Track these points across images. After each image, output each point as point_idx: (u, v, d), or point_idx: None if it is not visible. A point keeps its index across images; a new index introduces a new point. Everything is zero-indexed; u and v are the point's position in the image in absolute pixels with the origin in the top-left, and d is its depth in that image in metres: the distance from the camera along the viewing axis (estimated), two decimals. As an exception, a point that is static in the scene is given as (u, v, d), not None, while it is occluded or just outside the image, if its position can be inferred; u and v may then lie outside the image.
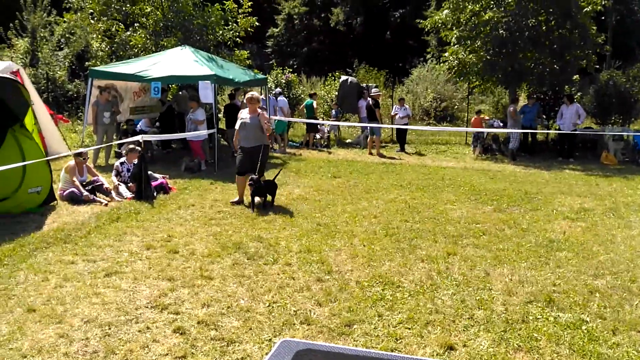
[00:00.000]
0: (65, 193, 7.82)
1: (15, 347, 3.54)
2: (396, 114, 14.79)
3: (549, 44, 14.02)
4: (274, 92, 13.69)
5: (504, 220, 7.11)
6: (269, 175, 8.20)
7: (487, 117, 16.13)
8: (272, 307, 4.29)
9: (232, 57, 14.53)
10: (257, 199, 7.69)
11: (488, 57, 14.40)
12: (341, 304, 4.35)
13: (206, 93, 10.27)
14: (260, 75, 13.65)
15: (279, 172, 8.23)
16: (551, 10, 13.85)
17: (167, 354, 3.50)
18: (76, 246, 5.67)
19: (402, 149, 14.50)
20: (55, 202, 7.57)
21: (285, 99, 14.06)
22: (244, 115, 7.73)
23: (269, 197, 7.81)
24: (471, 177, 10.58)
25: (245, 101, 8.05)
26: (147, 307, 4.24)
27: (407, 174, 10.91)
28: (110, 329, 3.86)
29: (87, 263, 5.18)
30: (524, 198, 8.61)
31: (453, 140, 16.96)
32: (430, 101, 20.58)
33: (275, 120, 13.34)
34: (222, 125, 13.94)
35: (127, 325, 3.91)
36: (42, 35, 17.75)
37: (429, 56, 26.05)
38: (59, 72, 17.50)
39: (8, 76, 7.00)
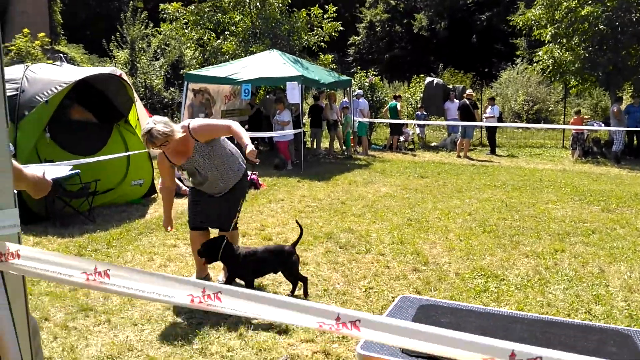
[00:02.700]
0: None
1: (126, 316, 3.70)
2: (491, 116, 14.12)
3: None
4: (355, 94, 13.66)
5: (614, 220, 6.52)
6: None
7: (587, 117, 15.06)
8: (369, 292, 4.19)
9: (316, 61, 14.72)
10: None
11: (587, 55, 13.48)
12: (442, 293, 4.15)
13: (293, 93, 10.46)
14: (344, 77, 13.70)
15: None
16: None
17: (269, 329, 3.50)
18: (177, 232, 5.90)
19: (493, 152, 13.89)
20: (156, 194, 7.97)
21: (366, 101, 13.97)
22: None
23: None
24: (572, 179, 9.86)
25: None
26: (242, 285, 4.29)
27: (500, 175, 10.40)
28: (212, 304, 3.94)
29: (189, 247, 5.35)
30: (635, 199, 7.87)
31: (548, 143, 16.00)
32: (522, 104, 19.61)
33: (357, 122, 13.31)
34: (307, 128, 14.12)
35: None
36: (140, 46, 18.99)
37: (518, 60, 24.97)
38: (155, 81, 18.62)
39: (114, 73, 7.49)
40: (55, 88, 6.48)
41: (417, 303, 1.74)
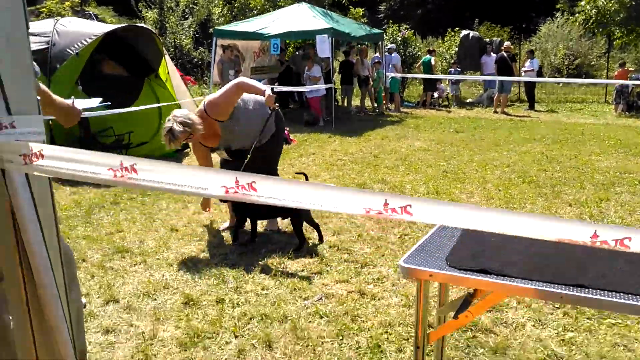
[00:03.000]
0: (195, 142, 8.22)
1: (161, 257, 3.72)
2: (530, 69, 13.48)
3: None
4: (387, 48, 13.23)
5: (663, 171, 6.19)
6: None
7: (632, 70, 14.27)
8: (404, 238, 4.09)
9: (347, 15, 14.30)
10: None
11: (634, 3, 12.66)
12: (480, 239, 4.02)
13: (323, 47, 10.18)
14: (376, 30, 13.26)
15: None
16: None
17: (303, 270, 3.46)
18: (209, 182, 5.91)
19: (531, 107, 13.35)
20: (188, 149, 7.98)
21: (398, 55, 13.53)
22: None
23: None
24: (616, 132, 9.40)
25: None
26: (277, 232, 4.26)
27: (539, 129, 10.00)
28: (247, 247, 3.93)
29: (220, 196, 5.36)
30: (685, 151, 7.46)
31: (590, 98, 15.29)
32: (562, 58, 18.73)
33: (389, 78, 12.94)
34: (337, 84, 13.83)
35: (261, 246, 3.95)
36: (168, 6, 18.85)
37: (558, 13, 23.73)
38: (184, 40, 18.53)
39: (144, 25, 7.41)
40: (86, 40, 6.46)
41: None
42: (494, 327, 2.72)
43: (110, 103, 5.40)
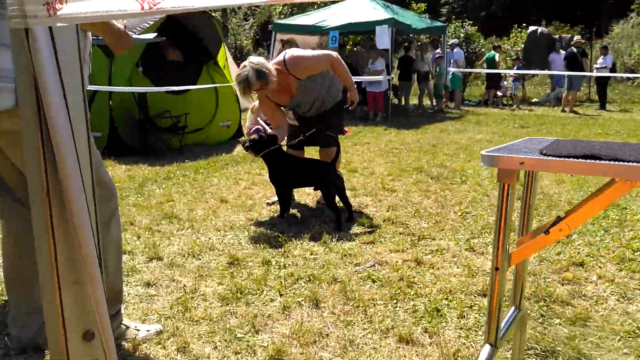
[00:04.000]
0: (251, 130, 8.20)
1: (210, 224, 3.61)
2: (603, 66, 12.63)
3: None
4: (450, 43, 12.78)
5: None
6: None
7: None
8: (465, 216, 3.78)
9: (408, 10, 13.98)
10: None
11: None
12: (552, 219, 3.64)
13: (383, 38, 9.95)
14: (438, 23, 12.84)
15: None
16: None
17: (354, 239, 3.24)
18: (263, 164, 5.79)
19: (603, 107, 12.49)
20: (243, 137, 7.96)
21: (461, 51, 13.03)
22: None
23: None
24: (703, 128, 8.58)
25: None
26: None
27: (612, 125, 9.30)
28: (297, 219, 3.75)
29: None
30: None
31: (668, 99, 14.17)
32: (636, 58, 17.54)
33: (450, 73, 12.49)
34: (395, 81, 13.51)
35: (313, 218, 3.76)
36: (231, 7, 19.33)
37: (632, 14, 22.32)
38: (245, 41, 18.85)
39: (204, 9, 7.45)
40: (148, 23, 6.56)
41: (546, 141, 1.35)
42: (571, 299, 2.38)
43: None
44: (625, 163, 1.03)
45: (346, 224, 3.56)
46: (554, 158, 1.11)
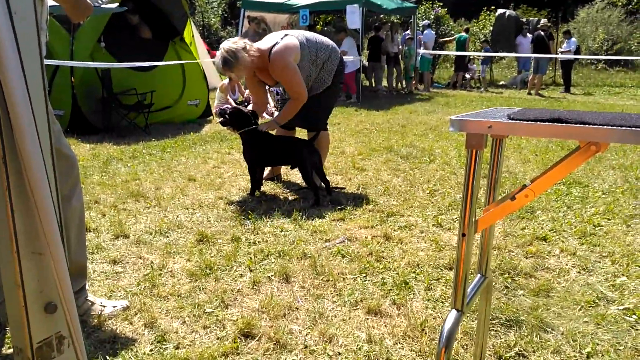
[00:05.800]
0: (220, 109, 8.08)
1: (178, 202, 3.55)
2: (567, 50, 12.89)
3: None
4: (421, 25, 12.82)
5: None
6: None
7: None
8: (433, 193, 3.83)
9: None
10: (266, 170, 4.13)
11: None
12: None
13: (354, 18, 9.89)
14: (409, 4, 12.84)
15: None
16: None
17: (325, 217, 3.24)
18: (232, 143, 5.73)
19: (567, 90, 12.81)
20: (211, 116, 7.84)
21: (432, 32, 13.08)
22: None
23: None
24: (660, 111, 8.90)
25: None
26: (302, 186, 4.04)
27: (576, 108, 9.54)
28: (267, 197, 3.73)
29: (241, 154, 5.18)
30: None
31: (629, 83, 14.62)
32: (600, 43, 17.99)
33: (419, 55, 12.55)
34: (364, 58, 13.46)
35: (284, 195, 3.75)
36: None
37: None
38: (213, 19, 18.47)
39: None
40: (110, -4, 6.33)
41: (508, 111, 1.37)
42: (534, 272, 2.45)
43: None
44: (592, 126, 1.05)
45: (315, 204, 3.55)
46: (521, 122, 1.12)
